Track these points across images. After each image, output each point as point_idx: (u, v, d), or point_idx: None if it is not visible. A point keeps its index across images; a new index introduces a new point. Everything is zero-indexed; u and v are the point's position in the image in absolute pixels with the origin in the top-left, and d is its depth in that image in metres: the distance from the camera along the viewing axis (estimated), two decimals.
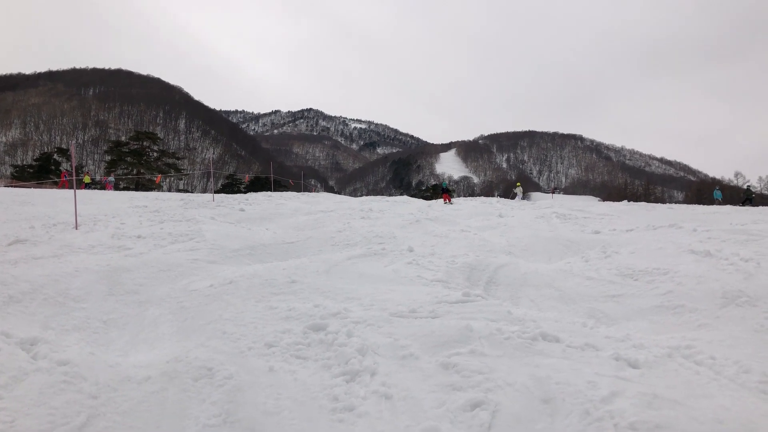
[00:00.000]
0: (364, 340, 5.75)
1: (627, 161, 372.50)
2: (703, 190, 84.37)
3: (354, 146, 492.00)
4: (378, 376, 4.94)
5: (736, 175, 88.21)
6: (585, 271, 10.06)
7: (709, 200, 52.32)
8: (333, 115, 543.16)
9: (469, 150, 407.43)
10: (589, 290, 9.12)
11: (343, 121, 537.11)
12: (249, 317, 6.84)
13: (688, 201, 77.89)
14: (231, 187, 68.68)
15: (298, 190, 37.85)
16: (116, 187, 47.41)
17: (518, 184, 41.88)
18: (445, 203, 28.41)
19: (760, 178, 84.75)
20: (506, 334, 5.75)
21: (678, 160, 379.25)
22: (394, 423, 4.18)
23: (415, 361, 5.24)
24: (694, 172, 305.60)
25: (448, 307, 7.14)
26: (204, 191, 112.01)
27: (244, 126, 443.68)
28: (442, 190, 35.01)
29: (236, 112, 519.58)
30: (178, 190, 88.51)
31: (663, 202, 58.26)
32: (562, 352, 5.38)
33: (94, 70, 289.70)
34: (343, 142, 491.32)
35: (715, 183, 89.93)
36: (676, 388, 4.48)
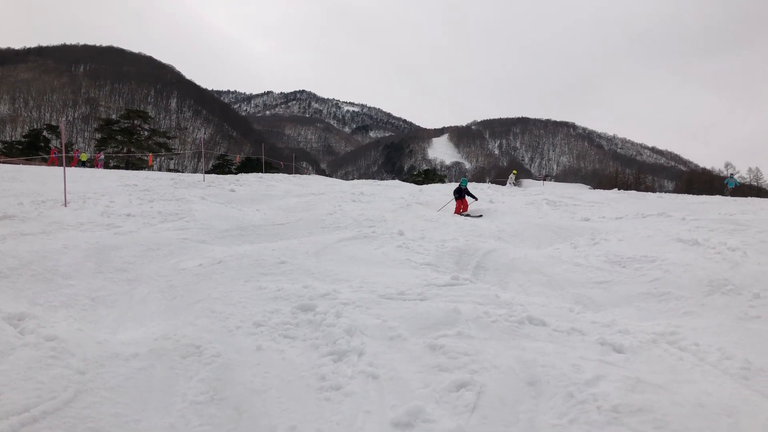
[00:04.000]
0: (352, 321, 5.78)
1: (619, 150, 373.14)
2: (693, 180, 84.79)
3: (346, 129, 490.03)
4: (365, 356, 4.97)
5: (727, 165, 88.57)
6: (573, 258, 10.12)
7: (699, 190, 52.35)
8: (326, 97, 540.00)
9: (461, 135, 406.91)
10: (577, 276, 9.19)
11: (336, 104, 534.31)
12: (238, 297, 6.84)
13: (678, 191, 78.27)
14: (222, 167, 68.22)
15: (290, 173, 37.73)
16: (106, 166, 47.11)
17: (514, 171, 40.50)
18: (461, 215, 17.50)
19: (750, 169, 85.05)
20: (493, 317, 5.79)
21: (669, 150, 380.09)
22: (380, 402, 4.21)
23: (403, 343, 5.27)
24: (685, 162, 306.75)
25: (436, 290, 7.18)
26: (195, 171, 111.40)
27: (236, 106, 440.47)
28: (457, 193, 18.99)
29: (228, 92, 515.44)
30: (169, 170, 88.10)
31: (653, 191, 58.53)
32: (548, 335, 5.43)
33: (85, 47, 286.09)
34: (335, 124, 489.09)
35: (705, 173, 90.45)
36: (659, 373, 4.54)
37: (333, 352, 5.07)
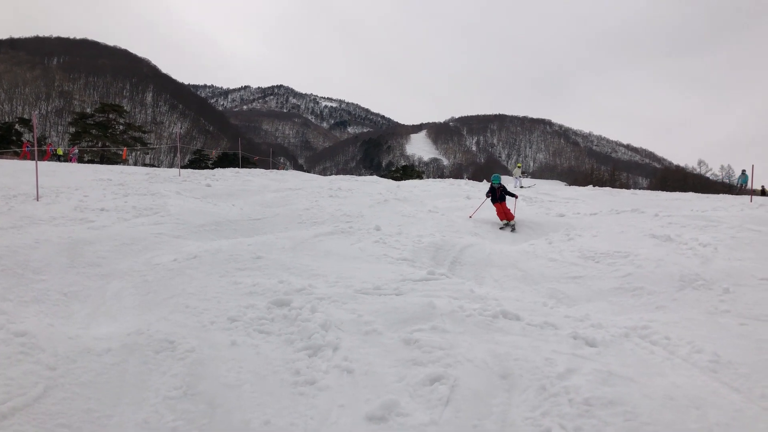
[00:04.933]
0: (327, 315, 5.78)
1: (594, 147, 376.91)
2: (667, 178, 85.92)
3: (324, 125, 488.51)
4: (340, 350, 4.98)
5: (700, 163, 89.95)
6: (548, 253, 10.21)
7: (673, 187, 52.97)
8: (303, 92, 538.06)
9: (439, 132, 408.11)
10: (552, 271, 9.27)
11: (314, 99, 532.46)
12: (212, 292, 6.80)
13: (652, 188, 79.27)
14: (198, 162, 67.67)
15: (267, 168, 37.51)
16: (80, 160, 46.44)
17: (518, 165, 37.18)
18: (505, 226, 14.21)
19: (722, 167, 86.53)
20: (468, 312, 5.84)
21: (644, 147, 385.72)
22: (354, 396, 4.22)
23: (378, 337, 5.28)
24: (659, 160, 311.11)
25: (412, 285, 7.21)
26: (171, 166, 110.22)
27: (212, 101, 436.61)
28: (492, 193, 15.05)
29: (205, 86, 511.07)
30: (145, 165, 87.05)
31: (628, 188, 59.18)
32: (522, 329, 5.49)
33: (59, 39, 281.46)
34: (313, 120, 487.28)
35: (679, 170, 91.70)
36: (630, 366, 4.61)
37: (308, 347, 5.07)
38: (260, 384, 4.46)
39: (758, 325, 6.19)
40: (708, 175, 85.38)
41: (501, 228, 14.12)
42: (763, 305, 6.82)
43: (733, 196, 23.79)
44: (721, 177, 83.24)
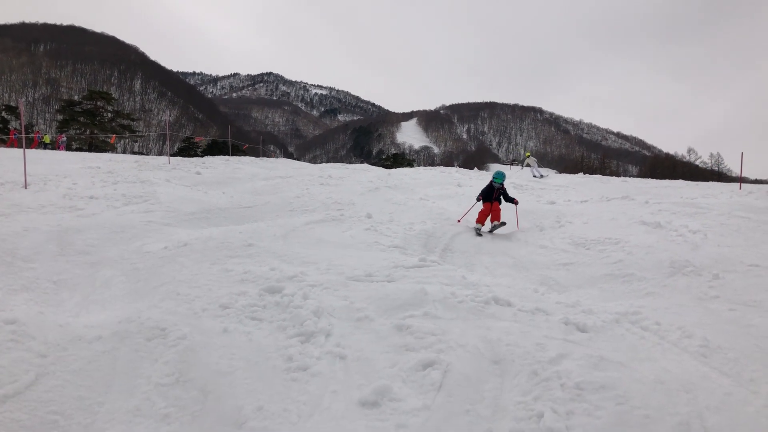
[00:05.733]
0: (319, 302, 5.77)
1: (584, 135, 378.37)
2: (657, 165, 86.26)
3: (314, 112, 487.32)
4: (333, 337, 4.98)
5: (689, 151, 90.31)
6: (539, 240, 10.27)
7: (662, 175, 53.17)
8: (293, 80, 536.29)
9: (430, 120, 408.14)
10: (543, 258, 9.33)
11: (304, 87, 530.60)
12: (204, 279, 6.77)
13: (642, 175, 79.61)
14: (188, 150, 67.21)
15: (257, 156, 37.34)
16: (68, 148, 46.03)
17: (527, 153, 33.45)
18: (492, 228, 12.03)
19: (711, 155, 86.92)
20: (460, 298, 5.85)
21: (634, 135, 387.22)
22: (347, 382, 4.23)
23: (370, 323, 5.28)
24: (649, 147, 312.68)
25: (404, 272, 7.22)
26: (160, 154, 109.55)
27: (201, 88, 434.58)
28: (486, 195, 12.58)
29: (194, 73, 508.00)
30: (133, 153, 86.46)
31: (618, 175, 59.43)
32: (513, 315, 5.51)
33: (45, 26, 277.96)
34: (303, 107, 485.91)
35: (668, 158, 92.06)
36: (621, 351, 4.64)
37: (300, 334, 5.06)
38: (252, 370, 4.45)
39: (747, 311, 6.25)
40: (697, 162, 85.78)
41: (479, 233, 11.63)
42: (752, 291, 6.89)
43: (723, 183, 23.90)
44: (710, 165, 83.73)
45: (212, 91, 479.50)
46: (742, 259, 8.06)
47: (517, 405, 3.82)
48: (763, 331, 5.48)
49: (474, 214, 12.83)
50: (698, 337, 5.06)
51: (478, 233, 11.68)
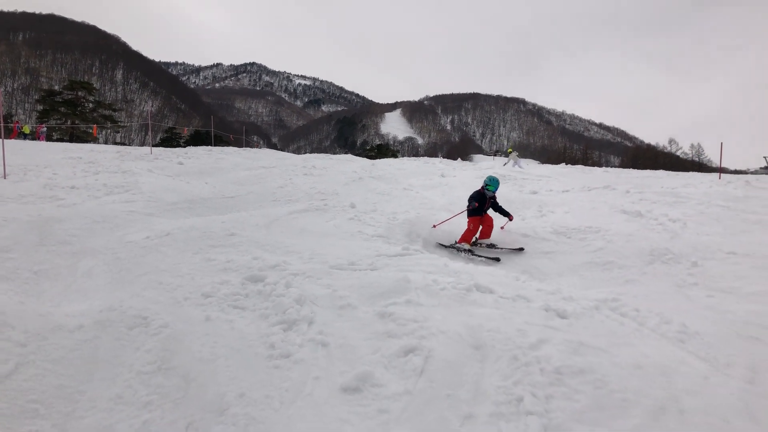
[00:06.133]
0: (302, 291, 5.77)
1: (567, 126, 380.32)
2: (638, 156, 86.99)
3: (298, 103, 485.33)
4: (315, 325, 4.99)
5: (670, 142, 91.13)
6: (521, 229, 10.30)
7: (644, 165, 53.54)
8: (277, 70, 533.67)
9: (414, 110, 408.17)
10: (525, 247, 9.38)
11: (287, 77, 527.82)
12: (186, 268, 6.75)
13: (624, 165, 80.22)
14: (170, 141, 66.66)
15: (240, 146, 37.12)
16: (49, 138, 45.47)
17: (510, 149, 36.25)
18: (478, 247, 9.96)
19: (692, 146, 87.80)
20: (442, 285, 5.89)
21: (616, 126, 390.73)
22: (329, 369, 4.24)
23: (353, 311, 5.30)
24: (630, 138, 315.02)
25: (386, 260, 7.25)
26: (142, 145, 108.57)
27: (184, 78, 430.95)
28: (477, 202, 10.09)
29: (176, 64, 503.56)
30: (115, 143, 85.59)
31: (600, 166, 59.85)
32: (495, 302, 5.55)
33: (24, 14, 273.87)
34: (286, 98, 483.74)
35: (650, 149, 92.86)
36: (600, 336, 4.70)
37: (283, 321, 5.07)
38: (235, 358, 4.46)
39: (724, 297, 6.37)
40: (678, 153, 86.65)
41: (470, 254, 9.34)
42: (729, 278, 7.01)
43: (703, 174, 24.16)
44: (691, 155, 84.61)
45: (195, 82, 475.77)
46: (721, 247, 8.18)
47: (497, 389, 3.86)
48: (739, 316, 5.60)
49: (455, 224, 10.70)
50: (676, 322, 5.14)
51: (469, 254, 9.33)
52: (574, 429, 3.43)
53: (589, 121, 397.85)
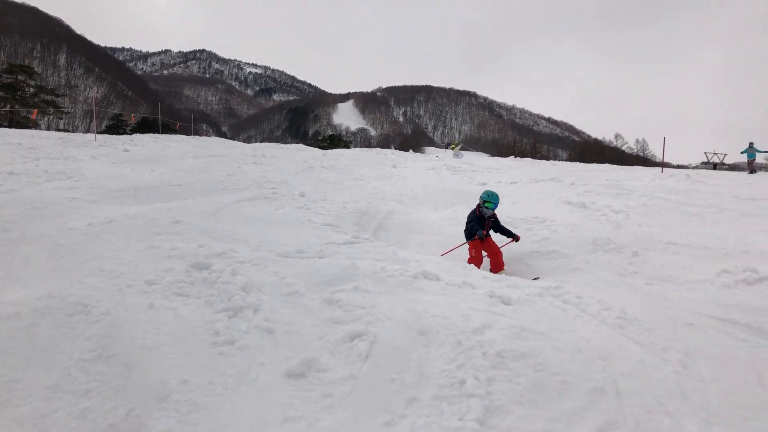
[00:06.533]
0: (249, 278, 5.72)
1: (517, 120, 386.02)
2: (585, 150, 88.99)
3: (249, 92, 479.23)
4: (261, 312, 4.95)
5: (617, 137, 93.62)
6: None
7: (590, 159, 54.79)
8: (227, 57, 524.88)
9: (366, 102, 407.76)
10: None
11: (238, 65, 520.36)
12: (129, 256, 6.60)
13: (571, 159, 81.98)
14: (116, 128, 64.92)
15: (188, 134, 36.44)
16: None
17: (453, 146, 38.85)
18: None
19: (637, 141, 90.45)
20: (390, 272, 5.93)
21: (564, 121, 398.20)
22: (274, 355, 4.23)
23: (300, 298, 5.28)
24: (578, 133, 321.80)
25: (335, 248, 7.24)
26: (87, 132, 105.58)
27: (131, 65, 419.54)
28: (478, 225, 8.72)
29: (123, 49, 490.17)
30: (58, 130, 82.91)
31: (548, 159, 60.97)
32: (441, 289, 5.62)
33: None
34: (237, 86, 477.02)
35: (597, 143, 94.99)
36: (543, 322, 4.81)
37: (228, 309, 5.01)
38: (178, 345, 4.39)
39: (663, 285, 6.61)
40: (624, 148, 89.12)
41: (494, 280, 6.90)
42: (669, 267, 7.26)
43: (647, 167, 24.87)
44: (636, 150, 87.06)
45: (142, 68, 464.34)
46: (661, 238, 8.46)
47: (441, 373, 3.92)
48: (677, 303, 5.81)
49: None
50: (616, 309, 5.29)
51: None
52: (514, 411, 3.51)
53: (538, 116, 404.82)
